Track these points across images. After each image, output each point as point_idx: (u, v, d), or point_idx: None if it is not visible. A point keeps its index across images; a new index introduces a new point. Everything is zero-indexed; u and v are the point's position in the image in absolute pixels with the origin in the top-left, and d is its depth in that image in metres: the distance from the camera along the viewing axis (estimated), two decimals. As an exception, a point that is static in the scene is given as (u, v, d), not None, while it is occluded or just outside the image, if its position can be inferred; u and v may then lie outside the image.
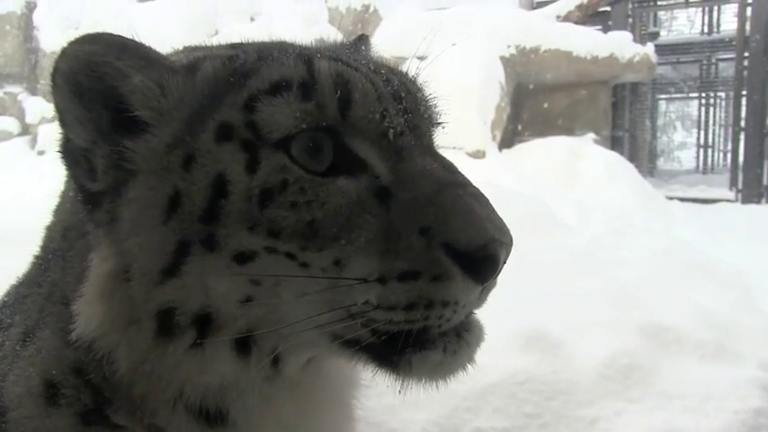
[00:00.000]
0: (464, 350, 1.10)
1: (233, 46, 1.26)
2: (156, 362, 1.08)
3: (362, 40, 1.52)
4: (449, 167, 1.13)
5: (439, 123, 1.26)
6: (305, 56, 1.12)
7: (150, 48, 1.13)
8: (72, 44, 1.06)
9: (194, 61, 1.14)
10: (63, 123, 1.11)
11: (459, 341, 1.09)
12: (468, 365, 1.11)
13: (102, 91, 1.08)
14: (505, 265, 1.09)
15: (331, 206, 1.04)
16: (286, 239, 1.03)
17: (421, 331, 1.06)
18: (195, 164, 1.06)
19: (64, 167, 1.17)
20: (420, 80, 1.29)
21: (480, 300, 1.11)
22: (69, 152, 1.14)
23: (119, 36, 1.09)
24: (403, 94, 1.16)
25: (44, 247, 1.30)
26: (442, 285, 1.03)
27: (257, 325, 1.08)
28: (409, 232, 1.04)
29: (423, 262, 1.03)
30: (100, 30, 1.10)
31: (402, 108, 1.14)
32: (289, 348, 1.11)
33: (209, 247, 1.04)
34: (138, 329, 1.07)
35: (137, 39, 1.11)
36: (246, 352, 1.09)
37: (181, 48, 1.36)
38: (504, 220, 1.08)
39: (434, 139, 1.24)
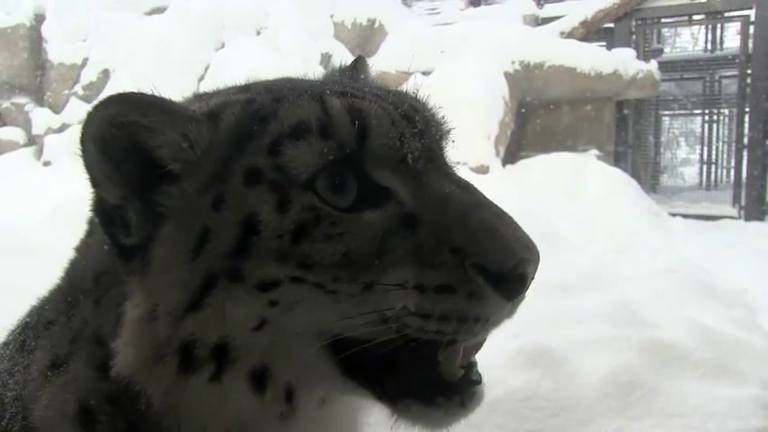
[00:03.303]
0: (461, 415, 1.17)
1: (244, 89, 1.29)
2: (180, 395, 1.11)
3: (359, 61, 1.55)
4: (466, 188, 1.17)
5: (449, 137, 1.29)
6: (316, 95, 1.16)
7: (172, 101, 1.16)
8: (97, 108, 1.09)
9: (215, 109, 1.17)
10: (94, 184, 1.14)
11: (462, 409, 1.16)
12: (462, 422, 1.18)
13: (130, 149, 1.11)
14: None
15: (360, 239, 1.08)
16: (318, 271, 1.07)
17: (435, 369, 1.13)
18: (224, 204, 1.10)
19: (99, 225, 1.19)
20: (422, 95, 1.31)
21: (511, 312, 1.15)
22: (103, 211, 1.16)
23: (141, 94, 1.12)
24: (413, 116, 1.19)
25: (70, 283, 1.31)
26: (477, 303, 1.08)
27: (270, 356, 1.12)
28: (441, 252, 1.08)
29: (457, 279, 1.07)
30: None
31: (416, 131, 1.17)
32: (301, 382, 1.15)
33: (234, 279, 1.08)
34: (163, 366, 1.10)
35: (157, 93, 1.15)
36: (261, 387, 1.13)
37: (191, 94, 1.39)
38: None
39: (447, 157, 1.27)
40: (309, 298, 1.08)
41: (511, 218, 1.13)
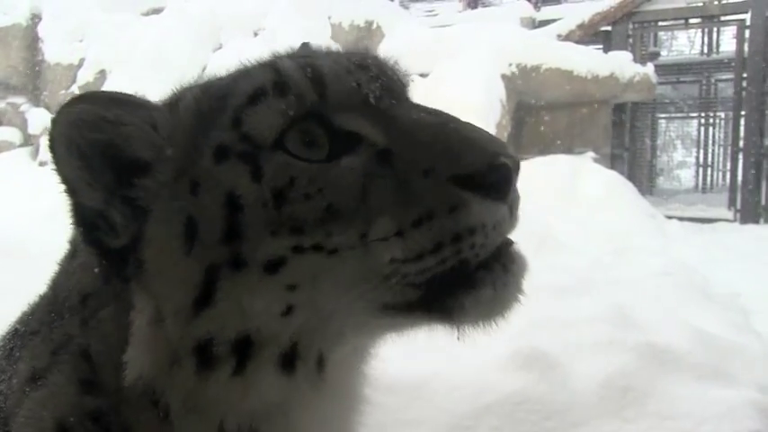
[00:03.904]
0: (512, 282, 1.09)
1: (202, 81, 1.29)
2: (200, 396, 1.07)
3: (305, 47, 1.53)
4: (436, 113, 1.15)
5: (408, 79, 1.27)
6: (267, 62, 1.18)
7: (134, 95, 1.16)
8: (61, 111, 1.07)
9: (174, 97, 1.19)
10: (72, 191, 1.11)
11: (506, 273, 1.08)
12: (520, 297, 1.10)
13: (100, 146, 1.09)
14: (519, 185, 1.11)
15: (343, 186, 1.05)
16: (310, 232, 1.04)
17: (461, 267, 1.05)
18: (201, 188, 1.08)
19: (82, 236, 1.14)
20: (374, 51, 1.29)
21: (512, 219, 1.11)
22: (84, 218, 1.12)
23: (102, 91, 1.13)
24: (367, 64, 1.19)
25: (55, 296, 1.25)
26: (461, 214, 1.04)
27: (301, 334, 1.08)
28: (415, 179, 1.05)
29: (433, 201, 1.04)
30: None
31: (372, 75, 1.16)
32: (332, 347, 1.12)
33: (237, 266, 1.04)
34: (180, 367, 1.06)
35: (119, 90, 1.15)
36: (291, 366, 1.09)
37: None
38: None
39: (411, 96, 1.25)
40: (320, 266, 1.04)
41: (484, 129, 1.11)
